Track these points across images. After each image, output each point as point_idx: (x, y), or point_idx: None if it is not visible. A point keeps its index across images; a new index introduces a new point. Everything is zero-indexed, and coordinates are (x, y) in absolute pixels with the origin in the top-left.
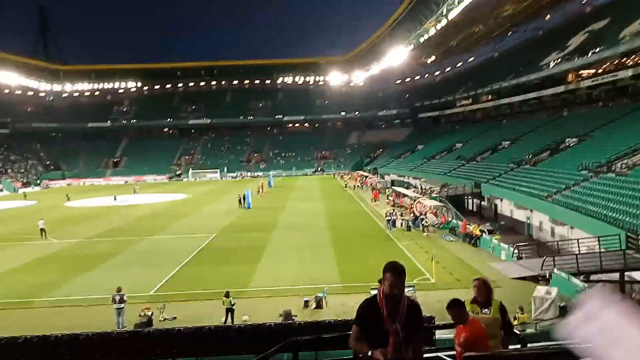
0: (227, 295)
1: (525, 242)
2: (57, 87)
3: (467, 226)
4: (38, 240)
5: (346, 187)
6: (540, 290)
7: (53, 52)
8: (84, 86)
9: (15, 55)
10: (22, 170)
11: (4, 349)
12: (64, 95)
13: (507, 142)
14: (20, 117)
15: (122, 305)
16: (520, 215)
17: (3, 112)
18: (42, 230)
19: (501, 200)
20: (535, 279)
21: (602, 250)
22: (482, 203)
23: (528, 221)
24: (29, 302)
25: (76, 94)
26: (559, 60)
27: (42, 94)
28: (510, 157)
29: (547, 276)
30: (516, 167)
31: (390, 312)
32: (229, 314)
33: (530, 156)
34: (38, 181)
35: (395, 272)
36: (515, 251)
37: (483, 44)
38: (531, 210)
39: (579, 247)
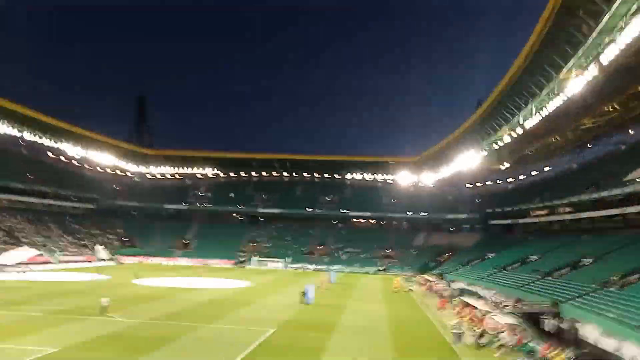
0: None
1: None
2: (142, 169)
3: (548, 352)
4: (100, 317)
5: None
6: None
7: (145, 136)
8: (166, 169)
9: (111, 139)
10: (102, 245)
11: None
12: (148, 177)
13: (589, 260)
14: (107, 194)
15: None
16: (607, 344)
17: (92, 188)
18: (103, 308)
19: (583, 324)
20: None
21: None
22: (561, 325)
23: (617, 353)
24: None
25: (159, 177)
26: None
27: (129, 175)
28: (594, 275)
29: None
30: (600, 289)
31: None
32: None
33: (617, 277)
34: (112, 256)
35: None
36: None
37: (560, 154)
38: (621, 340)
39: None
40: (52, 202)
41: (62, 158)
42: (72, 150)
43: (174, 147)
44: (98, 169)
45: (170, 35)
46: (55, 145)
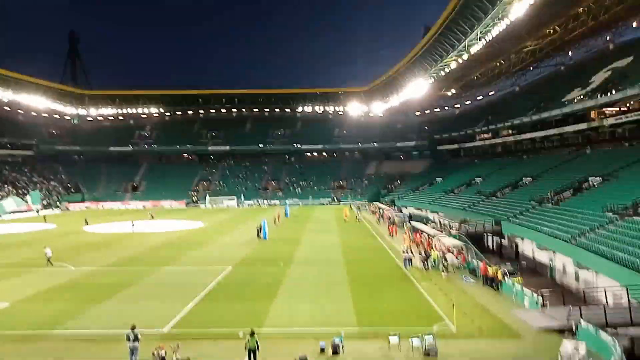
0: (252, 334)
1: (548, 285)
2: (82, 112)
3: (488, 268)
4: (49, 267)
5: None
6: (568, 345)
7: (81, 77)
8: (108, 111)
9: (44, 81)
10: (44, 192)
11: None
12: (88, 119)
13: (528, 179)
14: (45, 139)
15: (136, 344)
16: (542, 256)
17: (29, 134)
18: (48, 259)
19: (522, 239)
20: (561, 331)
21: (632, 301)
22: (503, 241)
23: (551, 263)
24: (42, 335)
25: (100, 119)
26: (582, 96)
27: (67, 118)
28: (532, 194)
29: (574, 328)
30: (538, 206)
31: None
32: (252, 355)
33: (552, 194)
34: (58, 203)
35: None
36: (540, 298)
37: (504, 78)
38: (554, 252)
39: (606, 297)
40: None
41: None
42: (2, 94)
43: (114, 87)
44: (33, 113)
45: None
46: None
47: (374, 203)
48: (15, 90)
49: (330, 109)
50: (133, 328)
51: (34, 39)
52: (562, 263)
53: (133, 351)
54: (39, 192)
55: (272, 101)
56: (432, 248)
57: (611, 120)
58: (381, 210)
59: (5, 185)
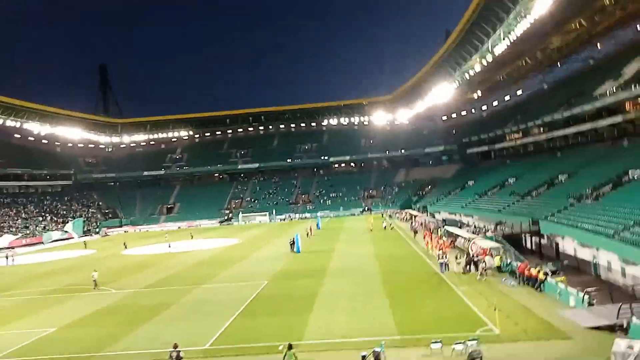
0: (289, 347)
1: (593, 283)
2: (115, 140)
3: (530, 268)
4: (94, 292)
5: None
6: (621, 344)
7: (112, 106)
8: (140, 137)
9: (78, 112)
10: (84, 220)
11: None
12: (122, 146)
13: (564, 176)
14: (82, 168)
15: None
16: (585, 254)
17: (66, 164)
18: (95, 282)
19: (562, 238)
20: (612, 329)
21: None
22: (542, 241)
23: (594, 260)
24: (87, 359)
25: (132, 145)
26: (614, 89)
27: (102, 146)
28: (569, 191)
29: (625, 325)
30: (577, 202)
31: None
32: None
33: (590, 190)
34: (97, 229)
35: None
36: (586, 296)
37: (531, 76)
38: (597, 249)
39: None
40: (27, 183)
41: (31, 138)
42: (40, 128)
43: (144, 115)
44: (69, 144)
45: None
46: (22, 126)
47: (406, 210)
48: (52, 124)
49: (355, 120)
50: (175, 347)
51: (66, 74)
52: (607, 259)
53: None
54: (82, 220)
55: (297, 116)
56: (468, 251)
57: None
58: (413, 218)
59: (47, 215)
